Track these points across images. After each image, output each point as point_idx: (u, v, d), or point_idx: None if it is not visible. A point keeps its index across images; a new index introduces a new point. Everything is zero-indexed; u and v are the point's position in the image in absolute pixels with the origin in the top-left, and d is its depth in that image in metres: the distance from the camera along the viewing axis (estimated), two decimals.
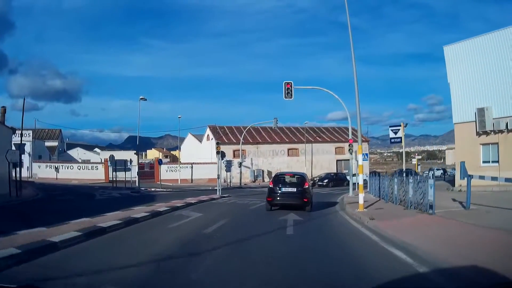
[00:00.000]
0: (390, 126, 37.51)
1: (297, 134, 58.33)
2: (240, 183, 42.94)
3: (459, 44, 26.27)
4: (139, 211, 13.71)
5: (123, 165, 34.48)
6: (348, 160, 60.09)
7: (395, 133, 36.96)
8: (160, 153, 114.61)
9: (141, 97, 40.60)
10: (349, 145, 22.12)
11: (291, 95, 22.11)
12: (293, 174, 16.44)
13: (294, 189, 14.69)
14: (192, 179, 52.67)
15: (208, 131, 57.67)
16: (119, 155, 52.01)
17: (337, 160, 57.01)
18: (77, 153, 69.96)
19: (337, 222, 12.25)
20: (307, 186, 14.84)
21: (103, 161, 53.99)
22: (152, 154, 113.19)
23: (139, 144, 35.91)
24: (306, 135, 55.98)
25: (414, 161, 61.97)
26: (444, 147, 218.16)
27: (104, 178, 48.15)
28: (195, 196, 23.21)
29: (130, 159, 41.60)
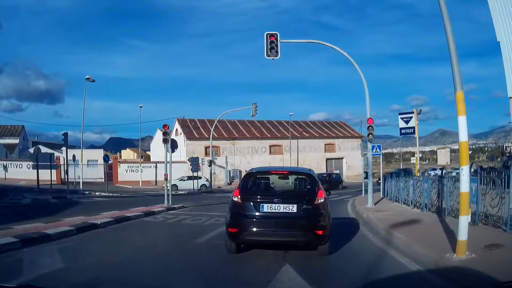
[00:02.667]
0: (400, 114, 29.79)
1: (281, 128, 50.13)
2: (211, 186, 34.48)
3: None
4: None
5: (47, 161, 25.61)
6: (340, 158, 53.12)
7: (407, 122, 29.24)
8: (135, 153, 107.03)
9: (87, 76, 32.78)
10: (368, 128, 14.02)
11: (277, 52, 14.88)
12: (288, 172, 8.09)
13: (293, 207, 6.43)
14: (156, 181, 44.18)
15: (176, 125, 49.03)
16: (88, 154, 45.32)
17: (326, 159, 49.13)
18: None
19: None
20: (321, 199, 6.57)
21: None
22: (127, 154, 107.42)
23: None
24: (291, 129, 47.83)
25: (413, 160, 54.87)
26: (427, 148, 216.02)
27: (55, 178, 41.03)
28: (132, 207, 15.16)
29: (74, 156, 33.90)
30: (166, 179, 16.75)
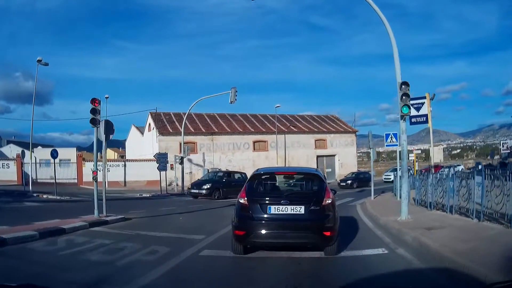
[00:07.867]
0: (411, 99, 25.11)
1: (266, 122, 44.98)
2: (183, 188, 29.19)
3: None
4: None
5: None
6: (332, 155, 48.14)
7: (418, 109, 24.50)
8: (115, 153, 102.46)
9: (38, 58, 27.51)
10: (401, 98, 9.02)
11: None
12: (295, 172, 7.97)
13: (300, 208, 6.16)
14: (125, 181, 38.62)
15: (149, 120, 43.49)
16: (61, 153, 41.15)
17: (317, 156, 44.21)
18: (9, 150, 58.02)
19: None
20: (329, 200, 6.25)
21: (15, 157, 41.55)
22: (107, 154, 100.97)
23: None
24: (277, 124, 42.72)
25: (412, 157, 50.52)
26: (415, 147, 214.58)
27: (16, 178, 36.54)
28: (47, 218, 10.13)
29: (22, 151, 29.21)
30: (94, 178, 11.48)
